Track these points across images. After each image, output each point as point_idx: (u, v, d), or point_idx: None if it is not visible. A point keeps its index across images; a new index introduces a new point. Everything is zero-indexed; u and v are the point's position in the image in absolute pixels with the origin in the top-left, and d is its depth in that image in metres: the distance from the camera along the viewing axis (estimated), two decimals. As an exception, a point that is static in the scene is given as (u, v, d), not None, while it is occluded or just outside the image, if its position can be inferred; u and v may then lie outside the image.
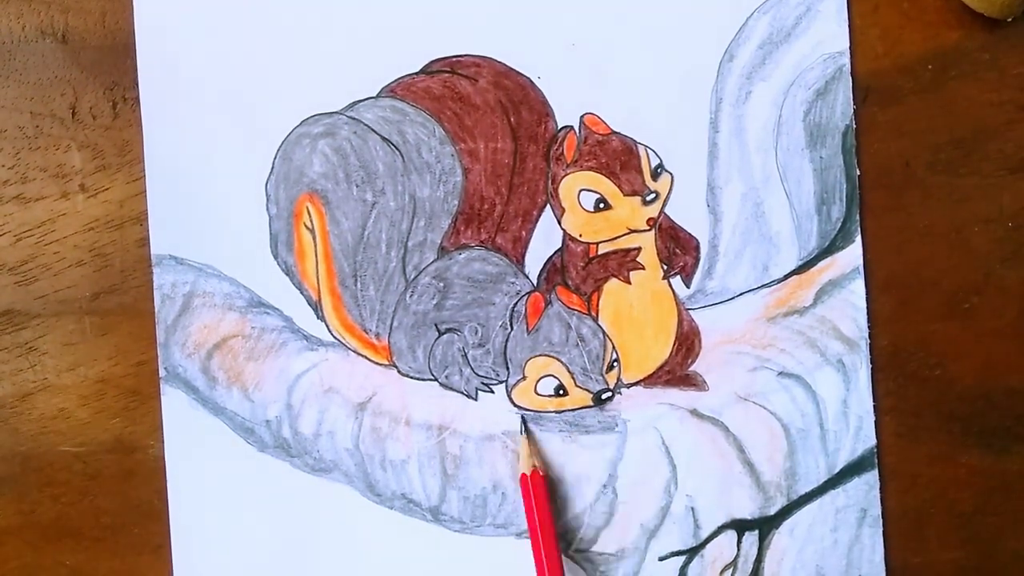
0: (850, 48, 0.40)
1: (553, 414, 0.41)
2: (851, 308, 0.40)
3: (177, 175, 0.41)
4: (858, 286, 0.40)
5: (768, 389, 0.41)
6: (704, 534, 0.41)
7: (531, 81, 0.41)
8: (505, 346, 0.41)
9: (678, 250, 0.41)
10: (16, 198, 0.41)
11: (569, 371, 0.41)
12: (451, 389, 0.41)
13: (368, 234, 0.41)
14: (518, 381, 0.41)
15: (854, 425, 0.41)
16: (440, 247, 0.41)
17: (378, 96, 0.41)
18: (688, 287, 0.41)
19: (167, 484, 0.41)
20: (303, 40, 0.41)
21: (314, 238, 0.41)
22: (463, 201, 0.41)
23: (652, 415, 0.41)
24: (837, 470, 0.41)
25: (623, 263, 0.41)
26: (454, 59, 0.41)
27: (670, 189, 0.41)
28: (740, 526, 0.41)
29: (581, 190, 0.41)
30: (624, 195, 0.41)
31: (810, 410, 0.41)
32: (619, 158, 0.41)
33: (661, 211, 0.41)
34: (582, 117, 0.41)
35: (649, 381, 0.41)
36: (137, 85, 0.41)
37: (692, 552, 0.41)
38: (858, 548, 0.41)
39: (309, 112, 0.41)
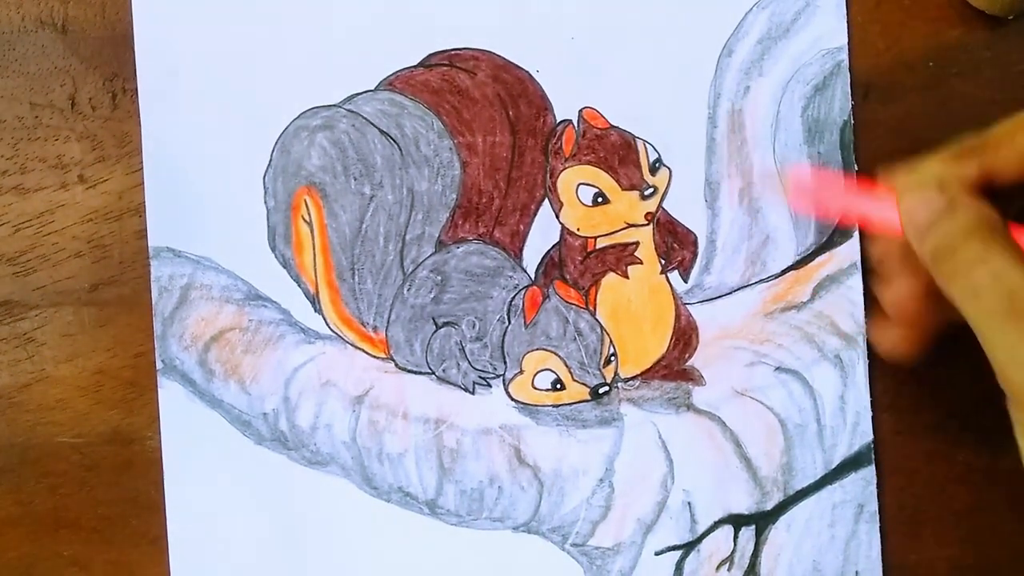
0: (851, 44, 0.40)
1: (550, 408, 0.41)
2: (849, 304, 0.40)
3: (175, 167, 0.41)
4: (856, 281, 0.40)
5: (765, 384, 0.41)
6: (701, 529, 0.41)
7: (530, 75, 0.41)
8: (503, 340, 0.41)
9: (676, 245, 0.41)
10: (15, 188, 0.41)
11: (567, 365, 0.41)
12: (448, 383, 0.41)
13: (366, 227, 0.41)
14: (515, 375, 0.41)
15: (851, 421, 0.41)
16: (438, 241, 0.41)
17: (376, 89, 0.41)
18: (686, 282, 0.41)
19: (164, 476, 0.41)
20: (302, 33, 0.41)
21: (312, 231, 0.41)
22: (461, 195, 0.41)
23: (649, 410, 0.41)
24: (834, 466, 0.41)
25: (621, 257, 0.41)
26: (453, 52, 0.41)
27: (668, 184, 0.41)
28: (737, 521, 0.41)
29: (579, 184, 0.41)
30: (622, 189, 0.41)
31: (807, 405, 0.41)
32: (617, 152, 0.41)
33: (659, 206, 0.41)
34: (581, 111, 0.41)
35: (646, 375, 0.41)
36: (136, 76, 0.41)
37: (688, 547, 0.41)
38: (855, 544, 0.41)
39: (307, 105, 0.41)
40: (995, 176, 0.33)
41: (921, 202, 0.33)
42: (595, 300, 0.41)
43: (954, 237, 0.31)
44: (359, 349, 0.41)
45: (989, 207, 0.32)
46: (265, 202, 0.41)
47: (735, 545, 0.41)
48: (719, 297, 0.41)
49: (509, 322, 0.41)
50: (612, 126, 0.41)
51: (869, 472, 0.41)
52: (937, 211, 0.32)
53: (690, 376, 0.41)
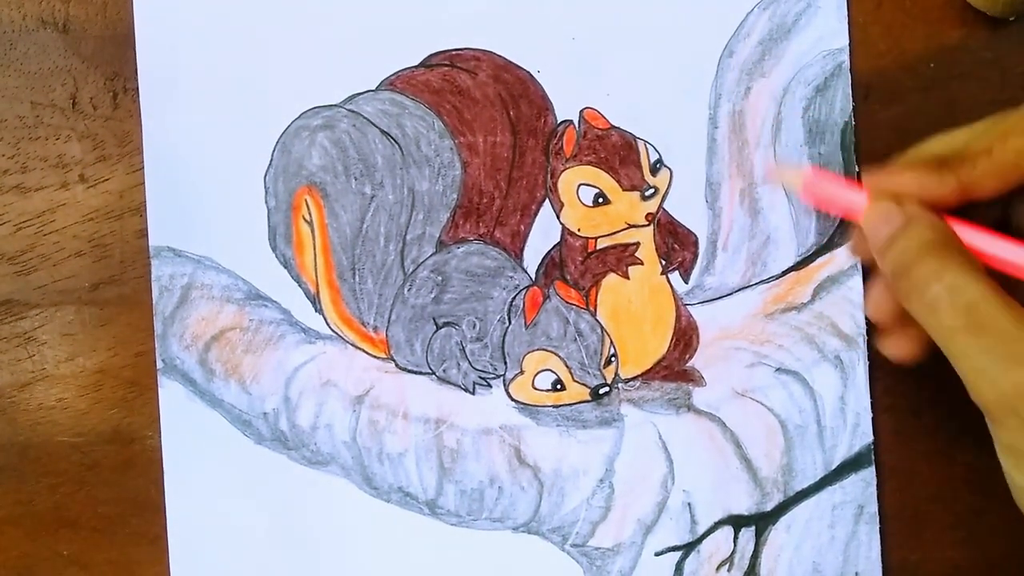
0: (852, 46, 0.40)
1: (550, 409, 0.41)
2: (849, 305, 0.40)
3: (176, 167, 0.41)
4: (856, 283, 0.40)
5: (766, 385, 0.41)
6: (701, 529, 0.41)
7: (531, 75, 0.41)
8: (503, 340, 0.41)
9: (676, 245, 0.41)
10: (16, 188, 0.41)
11: (567, 366, 0.41)
12: (449, 383, 0.41)
13: (367, 227, 0.41)
14: (516, 375, 0.41)
15: (851, 422, 0.41)
16: (439, 241, 0.41)
17: (377, 89, 0.41)
18: (686, 283, 0.41)
19: (164, 476, 0.41)
20: (303, 32, 0.41)
21: (312, 231, 0.41)
22: (462, 195, 0.41)
23: (649, 410, 0.41)
24: (834, 467, 0.41)
25: (621, 258, 0.41)
26: (454, 52, 0.41)
27: (669, 184, 0.41)
28: (737, 522, 0.41)
29: (580, 185, 0.41)
30: (623, 190, 0.41)
31: (808, 406, 0.41)
32: (618, 153, 0.41)
33: (660, 206, 0.41)
34: (582, 112, 0.41)
35: (647, 376, 0.41)
36: (137, 76, 0.41)
37: (688, 547, 0.41)
38: (855, 545, 0.41)
39: (308, 105, 0.41)
40: (974, 191, 0.33)
41: (880, 219, 0.33)
42: (595, 301, 0.41)
43: (910, 254, 0.32)
44: (359, 349, 0.41)
45: (943, 222, 0.32)
46: (266, 202, 0.41)
47: (735, 546, 0.41)
48: (720, 298, 0.41)
49: (509, 322, 0.41)
50: (613, 127, 0.41)
51: (869, 473, 0.41)
52: (895, 227, 0.32)
53: (690, 377, 0.41)
